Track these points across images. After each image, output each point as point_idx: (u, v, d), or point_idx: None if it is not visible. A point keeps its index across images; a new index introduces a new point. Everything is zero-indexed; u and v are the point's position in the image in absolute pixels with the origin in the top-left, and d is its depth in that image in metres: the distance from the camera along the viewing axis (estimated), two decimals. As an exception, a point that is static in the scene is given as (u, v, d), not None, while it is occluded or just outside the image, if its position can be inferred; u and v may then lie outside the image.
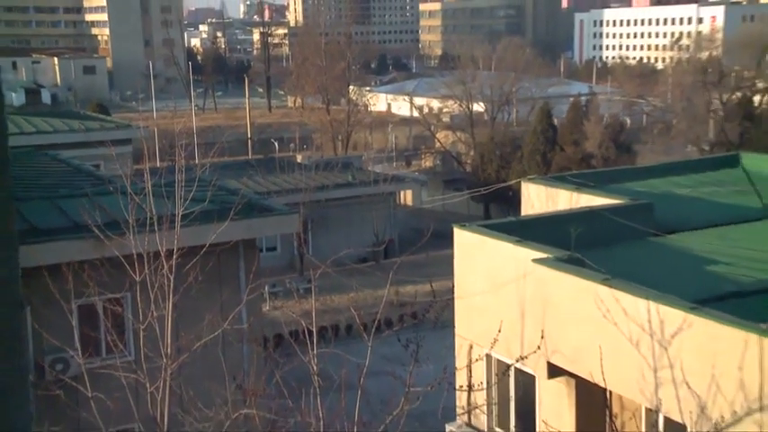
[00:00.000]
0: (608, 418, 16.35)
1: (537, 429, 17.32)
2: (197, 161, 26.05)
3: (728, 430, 12.87)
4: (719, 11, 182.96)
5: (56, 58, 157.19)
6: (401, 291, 39.24)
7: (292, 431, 15.71)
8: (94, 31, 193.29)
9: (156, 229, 16.61)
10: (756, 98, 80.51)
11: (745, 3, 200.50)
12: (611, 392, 15.82)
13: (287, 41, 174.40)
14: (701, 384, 13.06)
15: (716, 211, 20.78)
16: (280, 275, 43.37)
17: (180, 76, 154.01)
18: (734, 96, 79.81)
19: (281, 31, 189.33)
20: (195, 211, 17.85)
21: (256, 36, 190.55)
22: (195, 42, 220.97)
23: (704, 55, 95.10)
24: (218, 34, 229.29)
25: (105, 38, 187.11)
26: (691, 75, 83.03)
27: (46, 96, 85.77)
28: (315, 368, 14.27)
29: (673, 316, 13.41)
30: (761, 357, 12.18)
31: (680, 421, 13.99)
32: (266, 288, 39.28)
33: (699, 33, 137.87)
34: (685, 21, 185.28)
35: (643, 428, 15.72)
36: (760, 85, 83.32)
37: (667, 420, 14.77)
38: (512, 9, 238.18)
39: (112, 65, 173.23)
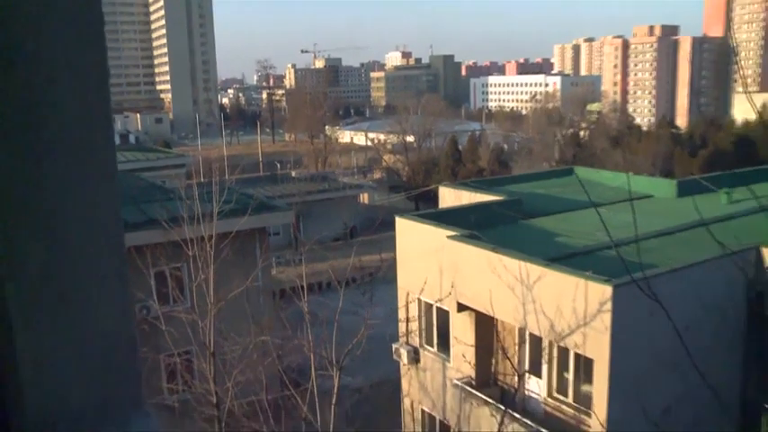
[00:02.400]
0: (495, 336, 16.72)
1: (450, 344, 17.59)
2: (227, 177, 25.99)
3: (566, 339, 13.30)
4: (558, 79, 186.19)
5: (138, 114, 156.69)
6: (362, 259, 39.18)
7: (292, 351, 15.88)
8: (162, 95, 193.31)
9: (201, 221, 16.69)
10: (582, 133, 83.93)
11: (572, 75, 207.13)
12: (497, 319, 16.03)
13: (284, 98, 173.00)
14: (551, 312, 13.41)
15: (560, 203, 21.04)
16: (282, 251, 43.25)
17: (215, 123, 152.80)
18: (568, 131, 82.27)
19: (281, 91, 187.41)
20: (225, 210, 17.92)
21: (264, 95, 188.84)
22: (225, 100, 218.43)
23: (550, 106, 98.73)
24: (240, 95, 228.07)
25: (168, 99, 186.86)
26: (543, 118, 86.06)
27: (132, 139, 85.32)
28: (306, 310, 14.47)
29: (534, 270, 13.71)
30: (586, 293, 12.59)
31: (538, 335, 14.41)
32: (273, 259, 39.13)
33: (546, 92, 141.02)
34: (538, 84, 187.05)
35: (516, 340, 16.03)
36: (583, 125, 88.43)
37: (531, 335, 15.17)
38: (430, 75, 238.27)
39: (173, 117, 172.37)
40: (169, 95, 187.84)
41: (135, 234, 18.52)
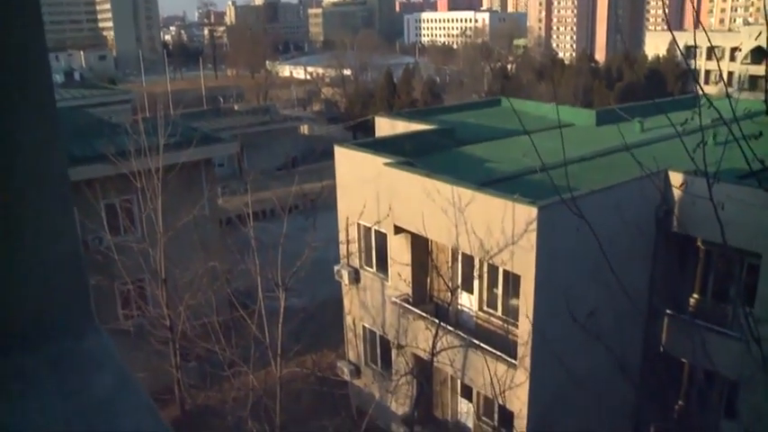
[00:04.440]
0: (429, 255, 17.00)
1: (388, 265, 17.81)
2: (171, 111, 25.18)
3: (495, 257, 13.61)
4: (486, 15, 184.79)
5: (82, 52, 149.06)
6: (304, 187, 38.78)
7: (240, 276, 15.83)
8: (105, 33, 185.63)
9: (148, 154, 16.23)
10: (509, 66, 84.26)
11: (500, 12, 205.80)
12: (431, 240, 16.28)
13: (226, 35, 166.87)
14: (481, 232, 13.66)
15: (488, 132, 21.15)
16: (227, 181, 42.45)
17: (159, 59, 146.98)
18: (496, 65, 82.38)
19: (222, 28, 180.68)
20: (171, 143, 17.43)
21: (206, 32, 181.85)
22: (168, 37, 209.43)
23: (479, 41, 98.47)
24: (182, 32, 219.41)
25: (112, 37, 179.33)
26: (472, 52, 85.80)
27: (77, 76, 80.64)
28: (252, 236, 14.37)
29: (465, 194, 13.84)
30: (513, 214, 12.84)
31: (469, 254, 14.70)
32: (219, 189, 38.44)
33: (476, 28, 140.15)
34: (468, 20, 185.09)
35: (449, 259, 16.35)
36: (510, 59, 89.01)
37: (463, 254, 15.47)
38: (365, 12, 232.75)
39: (117, 54, 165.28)
40: (112, 33, 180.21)
41: (84, 168, 17.84)
